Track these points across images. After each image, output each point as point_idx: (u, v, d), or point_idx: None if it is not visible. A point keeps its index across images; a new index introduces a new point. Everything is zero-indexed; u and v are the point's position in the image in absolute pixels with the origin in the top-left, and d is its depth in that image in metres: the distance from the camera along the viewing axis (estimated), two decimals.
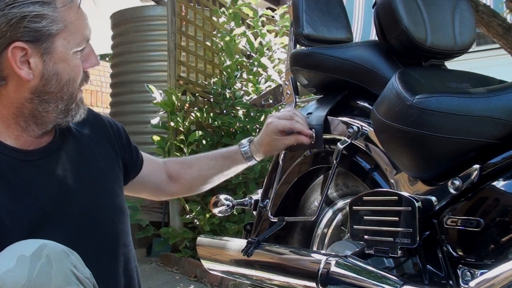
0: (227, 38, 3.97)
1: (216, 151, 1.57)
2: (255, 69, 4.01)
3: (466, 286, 1.02)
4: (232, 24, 4.15)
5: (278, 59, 4.04)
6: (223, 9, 4.30)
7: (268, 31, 4.18)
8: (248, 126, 3.75)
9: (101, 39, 4.57)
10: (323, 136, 1.41)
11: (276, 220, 1.51)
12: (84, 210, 1.15)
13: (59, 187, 1.13)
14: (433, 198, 1.10)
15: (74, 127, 1.22)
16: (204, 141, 3.81)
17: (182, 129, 3.76)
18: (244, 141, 1.51)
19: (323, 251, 1.54)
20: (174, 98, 3.80)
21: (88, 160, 1.22)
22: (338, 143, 1.34)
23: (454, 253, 1.07)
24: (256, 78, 3.91)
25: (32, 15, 1.02)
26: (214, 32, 4.40)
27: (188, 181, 1.53)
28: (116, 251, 1.20)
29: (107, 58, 8.20)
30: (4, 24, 1.01)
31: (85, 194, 1.17)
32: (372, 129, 1.26)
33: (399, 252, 1.11)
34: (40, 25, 1.03)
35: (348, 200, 1.34)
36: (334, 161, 1.35)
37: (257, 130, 3.74)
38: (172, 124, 3.77)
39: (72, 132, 1.22)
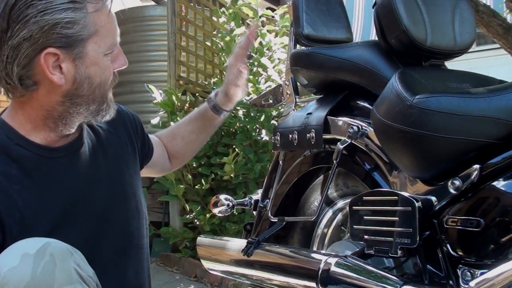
0: (227, 38, 3.97)
1: (189, 114, 1.61)
2: (255, 69, 4.01)
3: (466, 286, 1.02)
4: (232, 24, 4.15)
5: (278, 59, 4.04)
6: (223, 9, 4.30)
7: (268, 31, 4.18)
8: (248, 126, 3.75)
9: None
10: (323, 136, 1.41)
11: (276, 220, 1.51)
12: (102, 210, 1.16)
13: (80, 186, 1.14)
14: (433, 198, 1.10)
15: (96, 122, 1.24)
16: None
17: None
18: (212, 95, 1.56)
19: (323, 251, 1.54)
20: (174, 98, 3.80)
21: (109, 158, 1.23)
22: (338, 143, 1.34)
23: (454, 253, 1.07)
24: (256, 78, 3.91)
25: (64, 21, 1.02)
26: (214, 32, 4.40)
27: (179, 152, 1.57)
28: (128, 251, 1.21)
29: None
30: (37, 30, 1.01)
31: (104, 194, 1.18)
32: (372, 129, 1.26)
33: (399, 252, 1.11)
34: (72, 31, 1.04)
35: (348, 200, 1.34)
36: (334, 161, 1.35)
37: (257, 130, 3.74)
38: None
39: (94, 128, 1.24)
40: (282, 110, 1.80)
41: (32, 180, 1.07)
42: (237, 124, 3.78)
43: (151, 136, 1.53)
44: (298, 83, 1.62)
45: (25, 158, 1.07)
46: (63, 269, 0.91)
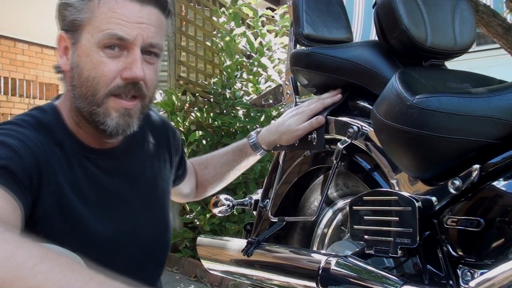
0: (227, 38, 3.98)
1: (226, 147, 1.57)
2: (255, 69, 4.01)
3: (466, 286, 1.02)
4: (232, 24, 4.15)
5: (278, 59, 4.04)
6: (223, 9, 4.30)
7: (268, 31, 4.18)
8: (248, 126, 3.75)
9: None
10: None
11: (276, 220, 1.51)
12: (132, 224, 1.12)
13: (109, 191, 1.10)
14: (433, 198, 1.10)
15: (140, 132, 1.18)
16: (204, 141, 3.81)
17: (182, 129, 3.76)
18: (252, 133, 1.53)
19: (323, 251, 1.54)
20: (174, 98, 3.80)
21: (148, 172, 1.19)
22: (338, 143, 1.34)
23: (454, 253, 1.07)
24: (256, 78, 3.91)
25: (67, 3, 1.01)
26: (214, 32, 4.40)
27: (208, 181, 1.53)
28: (146, 267, 1.17)
29: None
30: (56, 12, 1.03)
31: (136, 208, 1.14)
32: (372, 129, 1.26)
33: (399, 252, 1.11)
34: (70, 13, 1.01)
35: (348, 200, 1.34)
36: (334, 161, 1.35)
37: None
38: (172, 124, 3.76)
39: (137, 138, 1.18)
40: (282, 110, 1.80)
41: (70, 167, 1.03)
42: (237, 124, 3.78)
43: (189, 163, 1.50)
44: (298, 83, 1.62)
45: (68, 146, 1.05)
46: None
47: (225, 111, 3.99)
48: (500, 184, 1.02)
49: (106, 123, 1.03)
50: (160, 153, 1.26)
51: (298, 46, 1.59)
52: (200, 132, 3.74)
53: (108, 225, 1.08)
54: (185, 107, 3.99)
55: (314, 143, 1.43)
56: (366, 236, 1.18)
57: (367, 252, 1.18)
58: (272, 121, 1.57)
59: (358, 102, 1.42)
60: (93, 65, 1.01)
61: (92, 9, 1.00)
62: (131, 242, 1.12)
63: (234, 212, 3.48)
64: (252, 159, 1.54)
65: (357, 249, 1.26)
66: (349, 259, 1.17)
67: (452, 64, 1.44)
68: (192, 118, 3.90)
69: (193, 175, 1.51)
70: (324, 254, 1.25)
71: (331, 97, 1.45)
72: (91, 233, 1.03)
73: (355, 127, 1.31)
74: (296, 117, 1.46)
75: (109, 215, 1.08)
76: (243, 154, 1.52)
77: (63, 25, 1.03)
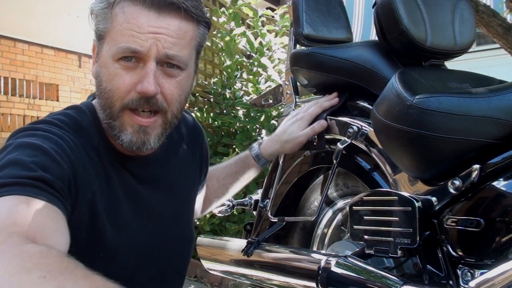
0: (227, 38, 3.98)
1: (229, 160, 1.55)
2: (255, 69, 4.01)
3: (466, 286, 1.02)
4: (232, 24, 4.15)
5: (278, 59, 4.04)
6: (223, 9, 4.30)
7: (268, 31, 4.18)
8: (248, 126, 3.75)
9: None
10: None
11: (276, 220, 1.51)
12: (158, 235, 1.10)
13: (143, 202, 1.08)
14: (433, 198, 1.10)
15: (177, 137, 1.17)
16: None
17: None
18: (255, 144, 1.51)
19: (323, 251, 1.54)
20: None
21: (181, 180, 1.18)
22: (338, 143, 1.34)
23: (454, 253, 1.07)
24: (256, 78, 3.91)
25: (92, 10, 0.99)
26: (214, 32, 4.40)
27: (212, 194, 1.50)
28: (169, 278, 1.16)
29: None
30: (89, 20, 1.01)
31: (161, 217, 1.12)
32: (372, 129, 1.26)
33: (399, 252, 1.11)
34: (95, 23, 0.99)
35: (348, 200, 1.34)
36: (334, 161, 1.35)
37: (257, 130, 3.74)
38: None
39: (174, 143, 1.17)
40: (282, 110, 1.80)
41: (106, 174, 1.01)
42: (237, 124, 3.78)
43: None
44: (298, 83, 1.62)
45: (103, 151, 1.02)
46: None
47: (225, 111, 3.99)
48: (500, 184, 1.02)
49: (121, 137, 1.00)
50: (193, 160, 1.24)
51: (298, 46, 1.59)
52: None
53: (138, 237, 1.06)
54: (185, 107, 3.99)
55: (315, 144, 1.43)
56: (366, 236, 1.18)
57: (367, 252, 1.18)
58: (273, 130, 1.55)
59: (358, 102, 1.42)
60: (109, 76, 0.98)
61: (112, 19, 0.96)
62: (157, 255, 1.10)
63: (234, 212, 3.47)
64: (254, 171, 1.51)
65: (357, 249, 1.26)
66: (349, 259, 1.17)
67: (452, 64, 1.44)
68: None
69: (205, 188, 1.46)
70: (324, 254, 1.25)
71: (329, 101, 1.44)
72: (119, 245, 1.00)
73: (355, 127, 1.31)
74: (296, 123, 1.44)
75: (140, 227, 1.07)
76: (245, 165, 1.49)
77: (95, 32, 1.01)
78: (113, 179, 1.02)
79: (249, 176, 1.51)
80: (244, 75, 4.08)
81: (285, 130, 1.45)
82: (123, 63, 0.96)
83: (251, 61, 4.08)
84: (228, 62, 4.07)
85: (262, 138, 3.65)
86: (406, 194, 1.12)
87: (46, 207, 0.80)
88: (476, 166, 1.03)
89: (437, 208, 1.10)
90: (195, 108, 4.04)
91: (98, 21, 0.98)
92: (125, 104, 0.98)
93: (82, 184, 0.94)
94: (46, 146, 0.89)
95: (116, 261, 0.99)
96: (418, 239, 1.07)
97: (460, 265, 1.06)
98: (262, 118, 3.70)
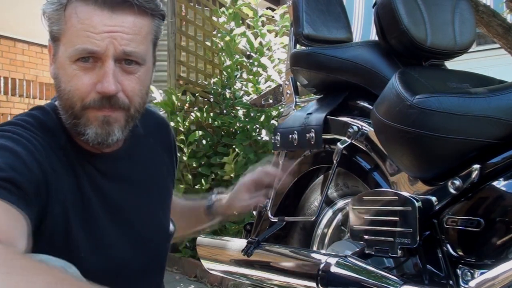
0: (227, 38, 3.98)
1: (193, 200, 1.50)
2: (255, 69, 4.01)
3: (466, 286, 1.02)
4: (232, 24, 4.15)
5: (278, 59, 4.04)
6: (223, 9, 4.30)
7: (268, 31, 4.18)
8: (248, 126, 3.75)
9: None
10: (323, 136, 1.41)
11: (276, 220, 1.51)
12: (132, 230, 1.10)
13: (112, 199, 1.08)
14: (433, 198, 1.10)
15: (143, 133, 1.16)
16: (204, 141, 3.81)
17: (182, 129, 3.76)
18: (213, 196, 1.46)
19: (323, 251, 1.54)
20: (174, 98, 3.80)
21: (149, 174, 1.17)
22: (338, 143, 1.34)
23: (454, 253, 1.07)
24: (256, 78, 3.91)
25: (44, 12, 0.99)
26: (214, 32, 4.40)
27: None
28: (151, 274, 1.16)
29: None
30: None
31: (136, 215, 1.11)
32: (372, 129, 1.26)
33: (399, 252, 1.11)
34: (48, 24, 0.99)
35: (348, 200, 1.34)
36: (334, 161, 1.35)
37: (257, 130, 3.74)
38: (172, 124, 3.77)
39: (139, 139, 1.15)
40: (282, 110, 1.80)
41: (74, 173, 1.01)
42: (237, 124, 3.78)
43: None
44: (298, 83, 1.62)
45: (70, 150, 1.02)
46: None
47: (225, 111, 3.99)
48: (500, 184, 1.02)
49: (86, 132, 0.99)
50: (163, 152, 1.24)
51: (298, 46, 1.59)
52: (200, 132, 3.74)
53: (111, 234, 1.06)
54: (185, 107, 3.99)
55: (312, 142, 1.43)
56: (366, 236, 1.18)
57: (367, 252, 1.18)
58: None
59: (358, 102, 1.42)
60: (68, 78, 0.97)
61: (65, 20, 0.96)
62: (135, 251, 1.10)
63: (234, 212, 3.47)
64: (204, 222, 1.45)
65: (357, 249, 1.26)
66: (349, 259, 1.17)
67: (452, 64, 1.44)
68: (192, 118, 3.89)
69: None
70: (324, 254, 1.25)
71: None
72: (92, 245, 1.00)
73: (355, 127, 1.31)
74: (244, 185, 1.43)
75: (113, 224, 1.06)
76: (196, 213, 1.44)
77: (49, 33, 1.00)
78: (82, 177, 1.02)
79: (198, 224, 1.47)
80: (244, 75, 4.08)
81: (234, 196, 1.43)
82: (80, 64, 0.96)
83: (251, 61, 4.08)
84: (228, 62, 4.07)
85: (262, 138, 3.66)
86: (406, 194, 1.12)
87: (10, 211, 0.80)
88: (476, 166, 1.03)
89: (437, 208, 1.10)
90: (195, 108, 4.04)
91: (51, 23, 0.98)
92: (86, 104, 0.98)
93: (52, 185, 0.94)
94: (14, 149, 0.89)
95: (90, 262, 0.99)
96: (418, 239, 1.07)
97: (460, 265, 1.07)
98: (262, 118, 3.70)
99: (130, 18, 0.96)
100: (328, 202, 1.60)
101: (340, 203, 1.59)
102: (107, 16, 0.94)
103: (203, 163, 3.71)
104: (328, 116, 1.42)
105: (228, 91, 4.01)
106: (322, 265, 1.19)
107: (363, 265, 1.15)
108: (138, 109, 1.03)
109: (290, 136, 1.49)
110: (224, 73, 4.18)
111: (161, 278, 1.22)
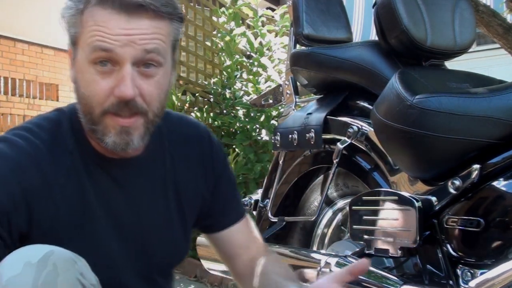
0: (227, 38, 3.98)
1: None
2: (255, 69, 4.01)
3: (466, 286, 1.02)
4: (232, 24, 4.15)
5: (278, 59, 4.04)
6: (223, 9, 4.29)
7: (268, 31, 4.18)
8: (248, 126, 3.75)
9: None
10: (323, 136, 1.41)
11: (276, 220, 1.51)
12: (137, 241, 1.07)
13: (119, 205, 1.05)
14: (433, 198, 1.10)
15: (167, 140, 1.12)
16: None
17: None
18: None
19: (323, 251, 1.54)
20: (174, 98, 3.80)
21: (166, 185, 1.12)
22: (338, 143, 1.34)
23: (454, 253, 1.07)
24: (256, 78, 3.91)
25: (62, 16, 0.98)
26: (214, 32, 4.40)
27: (240, 282, 1.27)
28: (155, 283, 1.13)
29: None
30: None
31: (144, 224, 1.08)
32: (372, 129, 1.26)
33: (399, 252, 1.11)
34: (65, 27, 0.98)
35: (348, 200, 1.34)
36: (334, 161, 1.35)
37: (257, 130, 3.74)
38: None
39: (163, 150, 1.11)
40: (282, 110, 1.80)
41: (78, 178, 1.00)
42: (237, 124, 3.78)
43: (256, 236, 1.22)
44: (298, 83, 1.62)
45: (79, 154, 1.01)
46: (65, 279, 0.89)
47: (225, 111, 3.99)
48: (500, 184, 1.02)
49: (105, 140, 0.98)
50: (192, 166, 1.17)
51: (298, 46, 1.59)
52: None
53: (114, 243, 1.04)
54: (185, 107, 3.98)
55: (312, 142, 1.43)
56: (366, 236, 1.18)
57: (367, 252, 1.18)
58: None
59: (358, 102, 1.42)
60: (86, 82, 0.96)
61: (82, 24, 0.95)
62: (137, 261, 1.07)
63: None
64: None
65: (357, 249, 1.27)
66: (349, 259, 1.17)
67: (452, 64, 1.44)
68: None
69: (233, 247, 1.23)
70: (324, 254, 1.25)
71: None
72: (94, 249, 1.00)
73: (355, 127, 1.31)
74: None
75: (117, 230, 1.05)
76: None
77: (68, 37, 1.00)
78: (87, 183, 1.02)
79: None
80: (244, 75, 4.08)
81: None
82: (99, 68, 0.95)
83: (251, 61, 4.08)
84: (228, 62, 4.07)
85: (262, 138, 3.66)
86: (406, 194, 1.12)
87: None
88: (476, 166, 1.03)
89: (437, 208, 1.10)
90: (195, 108, 4.04)
91: (69, 27, 0.97)
92: (105, 109, 0.96)
93: (40, 203, 0.95)
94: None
95: (99, 265, 0.98)
96: (418, 239, 1.07)
97: (460, 265, 1.07)
98: (262, 118, 3.69)
99: (147, 22, 0.95)
100: (328, 202, 1.60)
101: (340, 203, 1.59)
102: (124, 20, 0.94)
103: None
104: (328, 116, 1.42)
105: (228, 91, 4.01)
106: (322, 265, 1.19)
107: None
108: (156, 113, 1.01)
109: (290, 136, 1.49)
110: (224, 73, 4.18)
111: (169, 285, 1.17)
